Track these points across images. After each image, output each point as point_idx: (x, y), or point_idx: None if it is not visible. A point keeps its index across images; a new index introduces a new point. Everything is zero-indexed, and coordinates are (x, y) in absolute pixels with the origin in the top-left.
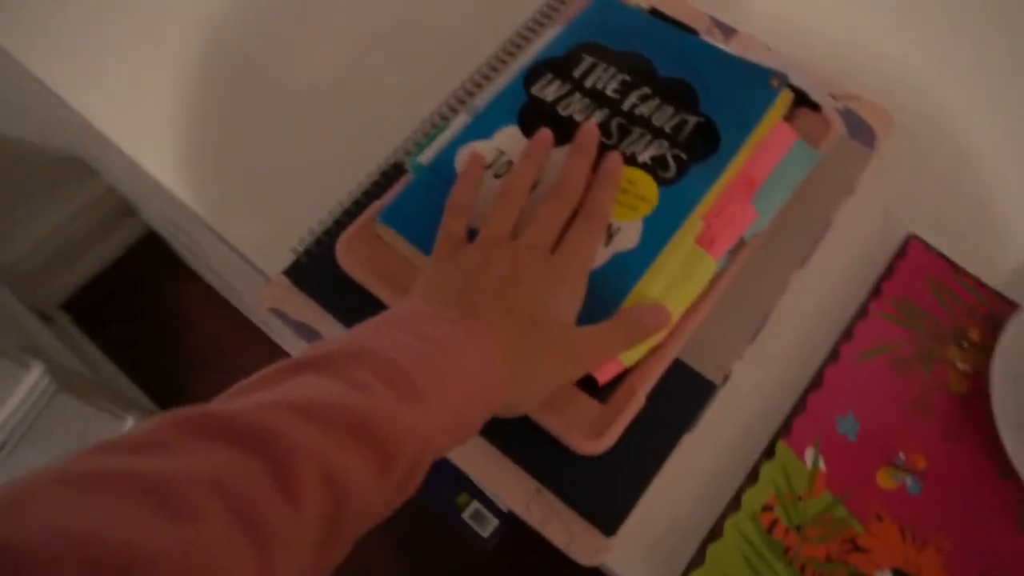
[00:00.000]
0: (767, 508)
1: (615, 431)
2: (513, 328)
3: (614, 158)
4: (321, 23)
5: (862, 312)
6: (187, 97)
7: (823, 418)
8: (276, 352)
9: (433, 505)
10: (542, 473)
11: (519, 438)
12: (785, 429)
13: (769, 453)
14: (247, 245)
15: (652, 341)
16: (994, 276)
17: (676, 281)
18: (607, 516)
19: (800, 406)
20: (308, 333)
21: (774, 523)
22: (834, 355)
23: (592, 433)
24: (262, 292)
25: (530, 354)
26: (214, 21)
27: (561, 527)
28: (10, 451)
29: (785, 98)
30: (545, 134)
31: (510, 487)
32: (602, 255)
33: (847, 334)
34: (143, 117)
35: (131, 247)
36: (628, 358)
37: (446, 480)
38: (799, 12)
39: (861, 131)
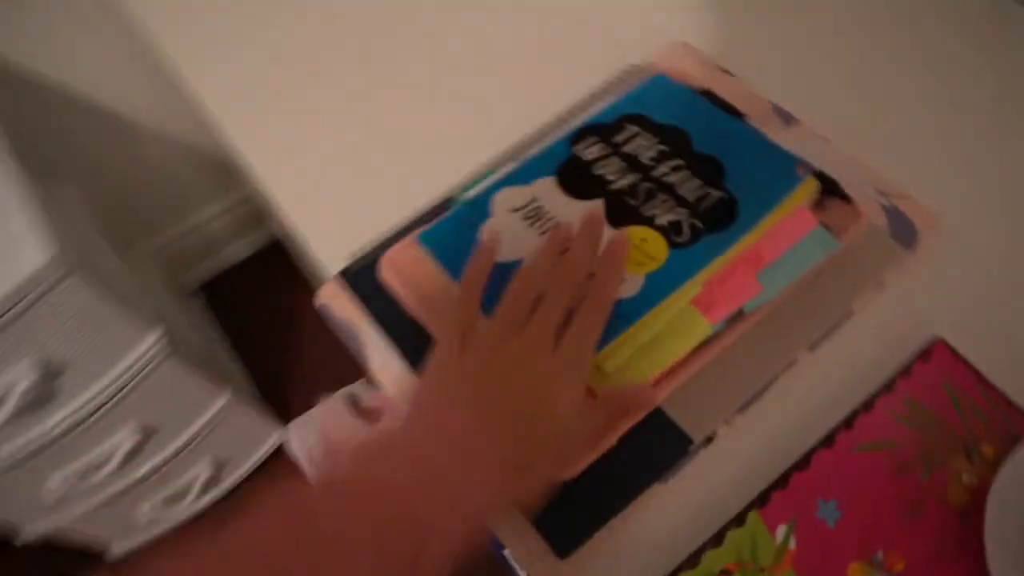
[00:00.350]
0: (725, 572)
1: (581, 463)
2: (511, 438)
3: (620, 243)
4: (430, 58)
5: (868, 405)
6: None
7: (804, 499)
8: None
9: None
10: None
11: None
12: (761, 501)
13: (740, 521)
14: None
15: (641, 379)
16: (1022, 394)
17: (666, 334)
18: (563, 538)
19: (782, 482)
20: (347, 333)
21: None
22: (828, 440)
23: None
24: (321, 290)
25: (523, 463)
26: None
27: (522, 543)
28: (116, 403)
29: (809, 186)
30: (564, 229)
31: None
32: None
33: (847, 423)
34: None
35: (262, 250)
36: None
37: None
38: (867, 108)
39: (904, 230)
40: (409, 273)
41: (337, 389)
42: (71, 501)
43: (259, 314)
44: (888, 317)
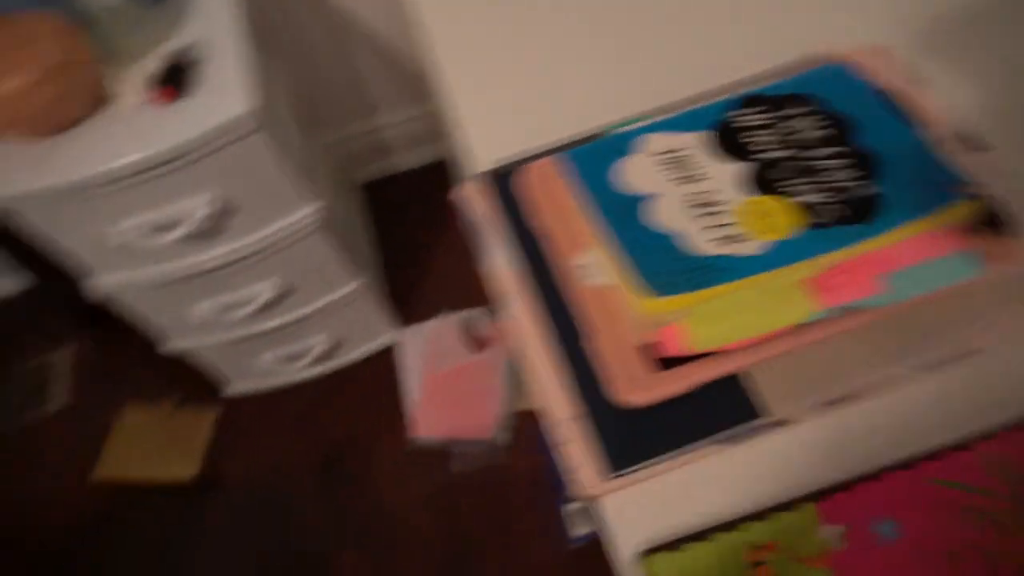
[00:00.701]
0: (761, 547)
1: (650, 395)
2: None
3: None
4: None
5: (964, 445)
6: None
7: (865, 509)
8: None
9: (553, 480)
10: (584, 399)
11: (580, 366)
12: (822, 496)
13: (790, 507)
14: (479, 151)
15: (728, 336)
16: None
17: (765, 303)
18: (618, 455)
19: (847, 486)
20: (476, 230)
21: (759, 565)
22: (907, 464)
23: (634, 387)
24: (464, 186)
25: None
26: None
27: (576, 452)
28: (267, 256)
29: (965, 208)
30: None
31: (556, 404)
32: (714, 249)
33: (935, 453)
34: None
35: (426, 166)
36: (698, 344)
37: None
38: None
39: None
40: (544, 187)
41: (460, 310)
42: (210, 329)
43: (409, 223)
44: (1012, 366)
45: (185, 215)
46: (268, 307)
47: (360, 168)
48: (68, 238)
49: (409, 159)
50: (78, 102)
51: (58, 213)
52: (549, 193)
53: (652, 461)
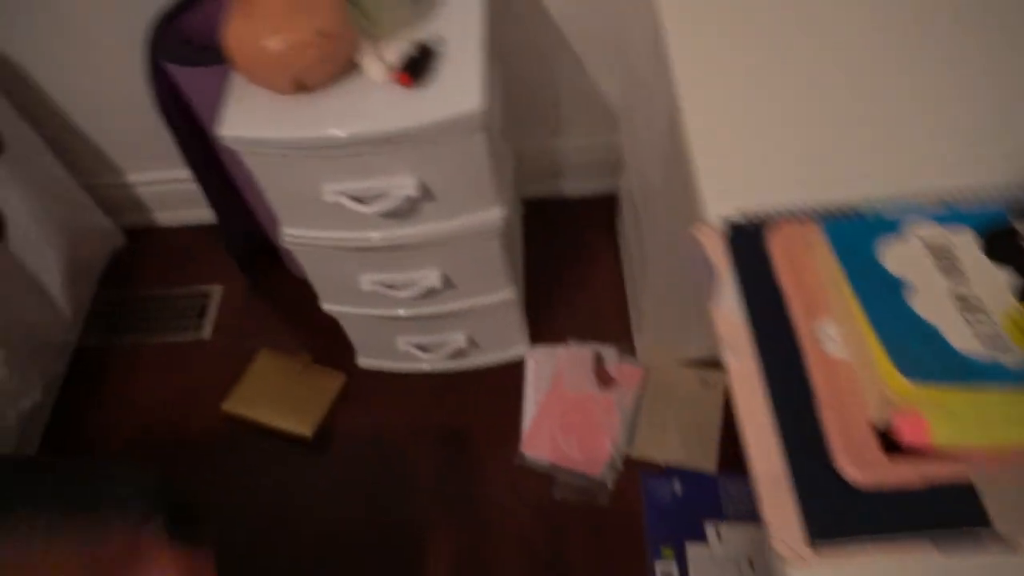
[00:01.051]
0: None
1: (877, 477)
2: None
3: None
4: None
5: None
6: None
7: None
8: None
9: (649, 533)
10: (798, 462)
11: (798, 428)
12: None
13: None
14: (710, 184)
15: (974, 440)
16: None
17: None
18: (824, 526)
19: None
20: (705, 269)
21: None
22: None
23: (861, 464)
24: (700, 225)
25: None
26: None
27: (778, 512)
28: (441, 247)
29: None
30: None
31: (765, 458)
32: (977, 349)
33: None
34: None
35: (595, 197)
36: (939, 439)
37: (674, 523)
38: None
39: None
40: (793, 249)
41: (591, 343)
42: (367, 301)
43: (557, 247)
44: None
45: (389, 192)
46: (427, 295)
47: (527, 183)
48: (276, 187)
49: (574, 186)
50: (331, 69)
51: (277, 163)
52: (797, 255)
53: (859, 541)
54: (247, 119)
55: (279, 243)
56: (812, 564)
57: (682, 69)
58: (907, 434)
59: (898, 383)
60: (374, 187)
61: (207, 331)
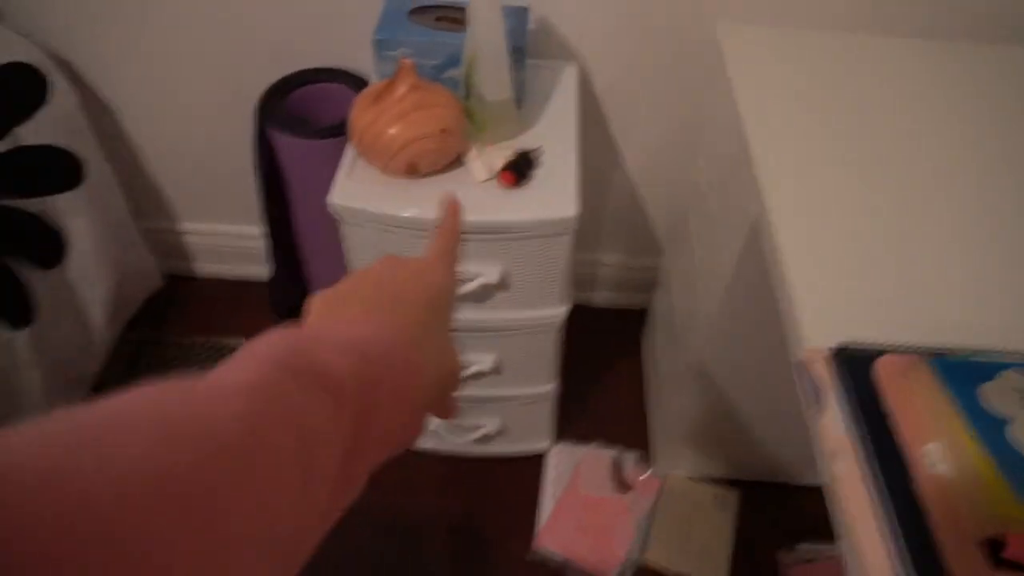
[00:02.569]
0: None
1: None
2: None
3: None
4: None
5: None
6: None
7: None
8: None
9: None
10: (912, 562)
11: (906, 539)
12: None
13: None
14: (807, 314)
15: None
16: None
17: None
18: None
19: None
20: (811, 389)
21: None
22: None
23: (969, 572)
24: (807, 348)
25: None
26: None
27: None
28: (503, 335)
29: None
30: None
31: (875, 568)
32: None
33: None
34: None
35: (622, 309)
36: None
37: None
38: None
39: None
40: (901, 379)
41: (611, 448)
42: None
43: (588, 353)
44: None
45: (470, 276)
46: (476, 377)
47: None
48: (364, 257)
49: (604, 297)
50: (441, 161)
51: (373, 235)
52: (906, 385)
53: None
54: (357, 191)
55: None
56: None
57: (776, 198)
58: (1016, 550)
59: (1010, 503)
60: (459, 271)
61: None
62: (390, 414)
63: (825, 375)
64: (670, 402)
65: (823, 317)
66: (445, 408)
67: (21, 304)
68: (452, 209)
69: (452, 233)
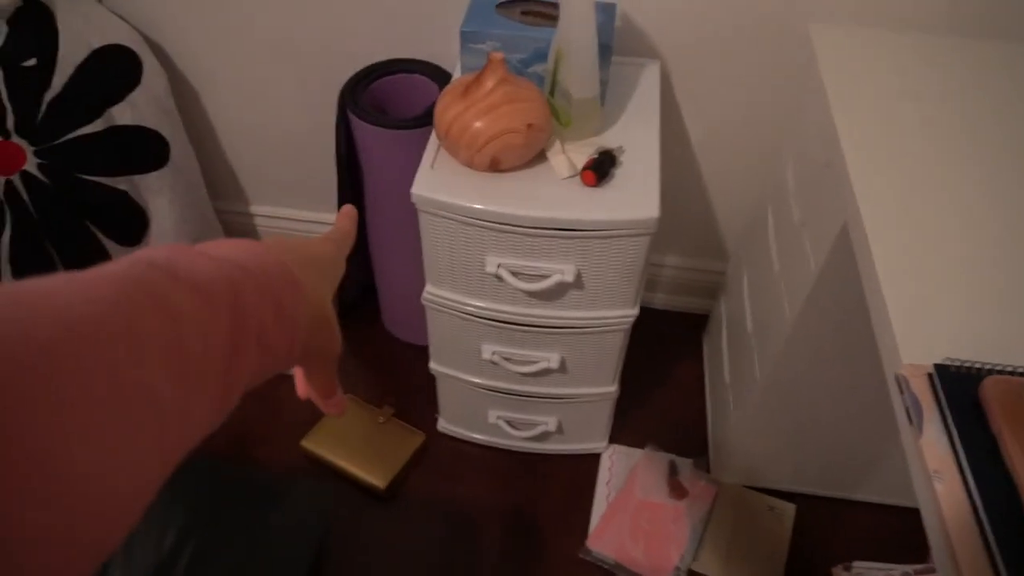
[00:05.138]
0: None
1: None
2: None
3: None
4: None
5: None
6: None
7: None
8: None
9: None
10: None
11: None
12: None
13: None
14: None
15: None
16: None
17: None
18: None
19: None
20: (912, 404)
21: None
22: None
23: None
24: (907, 364)
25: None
26: None
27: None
28: (569, 333)
29: None
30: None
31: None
32: None
33: None
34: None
35: (683, 313)
36: None
37: None
38: None
39: None
40: (1017, 408)
41: (667, 453)
42: (481, 369)
43: (647, 357)
44: None
45: (548, 274)
46: (541, 374)
47: None
48: (440, 249)
49: (665, 299)
50: (525, 156)
51: (452, 227)
52: (1017, 409)
53: None
54: (439, 183)
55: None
56: None
57: (869, 205)
58: None
59: None
60: (535, 267)
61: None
62: (270, 321)
63: (927, 392)
64: (732, 410)
65: (919, 332)
66: (323, 381)
67: None
68: (349, 213)
69: (347, 234)
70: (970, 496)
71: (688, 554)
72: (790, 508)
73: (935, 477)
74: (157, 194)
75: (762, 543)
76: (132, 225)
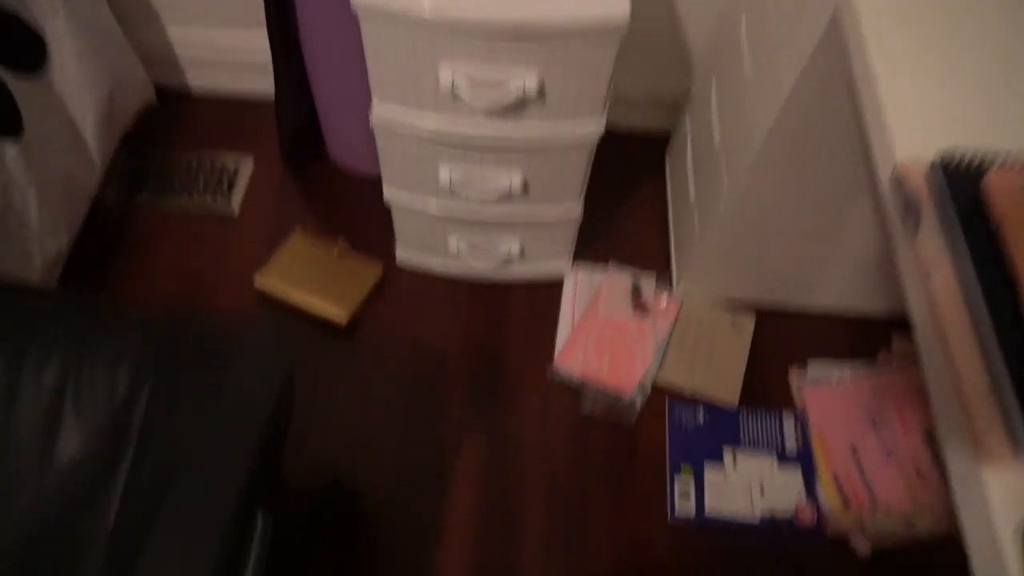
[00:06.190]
0: None
1: None
2: None
3: None
4: None
5: None
6: None
7: None
8: None
9: (671, 450)
10: (1011, 365)
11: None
12: None
13: None
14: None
15: None
16: None
17: None
18: None
19: None
20: (908, 203)
21: None
22: None
23: None
24: (902, 162)
25: None
26: None
27: (985, 420)
28: (530, 151)
29: None
30: None
31: (969, 360)
32: None
33: None
34: None
35: (647, 130)
36: None
37: (694, 445)
38: None
39: None
40: (1019, 201)
41: (630, 272)
42: (438, 193)
43: (609, 176)
44: None
45: (507, 83)
46: (503, 197)
47: None
48: (387, 60)
49: (629, 120)
50: None
51: (399, 35)
52: (1019, 201)
53: None
54: None
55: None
56: (1016, 467)
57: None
58: None
59: None
60: (494, 77)
61: (236, 205)
62: None
63: (924, 189)
64: (697, 226)
65: (916, 127)
66: None
67: (5, 110)
68: None
69: None
70: (966, 292)
71: (653, 368)
72: (750, 320)
73: (930, 274)
74: (52, 15)
75: (723, 354)
76: (28, 51)
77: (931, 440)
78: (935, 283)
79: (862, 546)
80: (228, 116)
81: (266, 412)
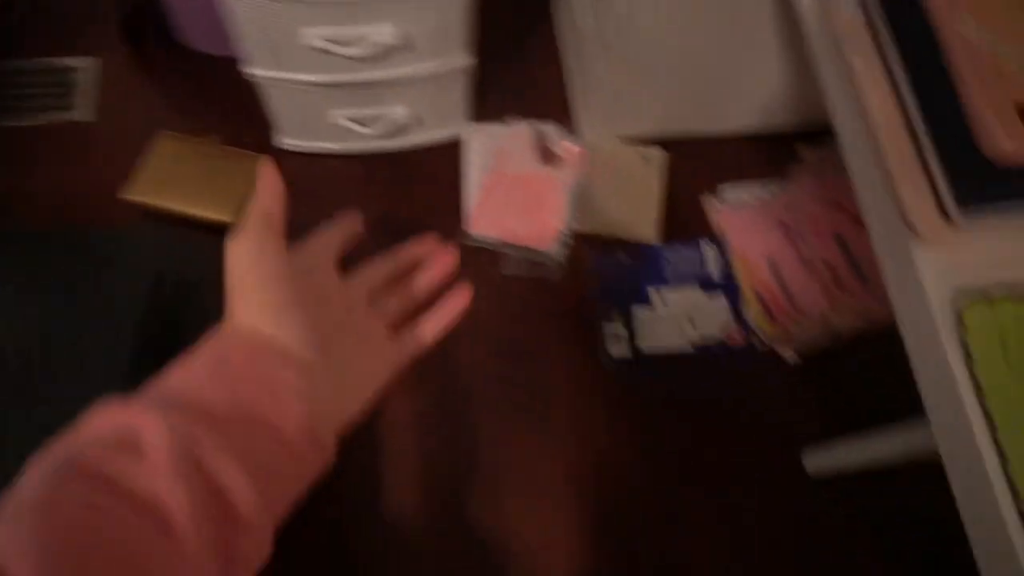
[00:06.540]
0: None
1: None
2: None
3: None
4: None
5: None
6: None
7: None
8: None
9: (600, 300)
10: (937, 142)
11: (936, 112)
12: None
13: None
14: None
15: None
16: None
17: None
18: (966, 200)
19: None
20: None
21: None
22: None
23: (1011, 139)
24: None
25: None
26: None
27: (913, 191)
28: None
29: None
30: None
31: (895, 139)
32: None
33: None
34: None
35: None
36: None
37: (621, 290)
38: None
39: None
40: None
41: (531, 123)
42: (308, 60)
43: (492, 23)
44: None
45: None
46: (377, 56)
47: None
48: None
49: None
50: None
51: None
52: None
53: (1001, 213)
54: None
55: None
56: (947, 238)
57: None
58: None
59: None
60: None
61: (85, 112)
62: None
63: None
64: (591, 64)
65: None
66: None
67: None
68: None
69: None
70: (888, 70)
71: (569, 217)
72: (659, 152)
73: (850, 46)
74: None
75: (637, 191)
76: None
77: (842, 244)
78: (858, 63)
79: (789, 355)
80: (57, 10)
81: (138, 310)
